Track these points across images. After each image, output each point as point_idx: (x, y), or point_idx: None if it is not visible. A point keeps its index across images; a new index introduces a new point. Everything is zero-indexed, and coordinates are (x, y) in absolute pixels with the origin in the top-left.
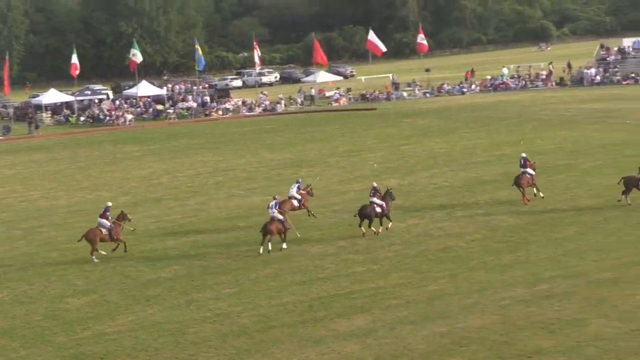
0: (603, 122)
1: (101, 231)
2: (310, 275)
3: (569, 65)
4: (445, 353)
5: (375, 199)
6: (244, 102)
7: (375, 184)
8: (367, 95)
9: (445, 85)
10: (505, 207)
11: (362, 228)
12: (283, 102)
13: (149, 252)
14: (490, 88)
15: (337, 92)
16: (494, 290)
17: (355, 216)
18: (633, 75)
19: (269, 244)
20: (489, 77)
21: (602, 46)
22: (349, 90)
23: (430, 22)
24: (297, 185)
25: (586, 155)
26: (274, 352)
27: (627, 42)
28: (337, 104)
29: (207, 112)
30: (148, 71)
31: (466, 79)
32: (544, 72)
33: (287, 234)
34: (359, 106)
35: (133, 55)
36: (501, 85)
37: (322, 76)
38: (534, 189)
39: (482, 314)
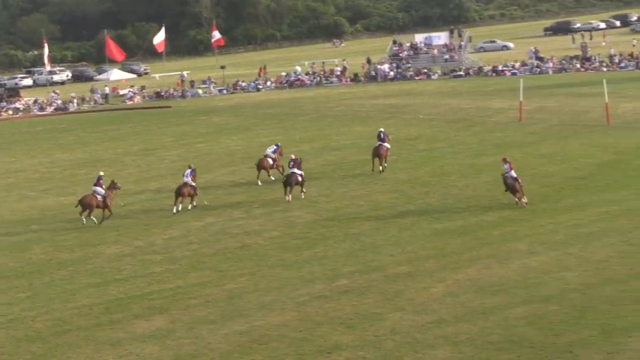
0: (397, 117)
1: (96, 197)
2: (106, 277)
3: (369, 61)
4: (245, 351)
5: (295, 170)
6: (35, 102)
7: (293, 156)
8: (162, 93)
9: (240, 82)
10: (302, 202)
11: (288, 196)
12: (75, 101)
13: None
14: (285, 85)
15: (131, 90)
16: (292, 287)
17: (282, 183)
18: (425, 70)
19: (180, 205)
20: (283, 73)
21: (394, 42)
22: (143, 88)
23: (224, 19)
24: (274, 147)
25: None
26: (70, 356)
27: (419, 37)
28: (131, 102)
29: None
30: None
31: (259, 75)
32: (338, 68)
33: (195, 198)
34: (154, 104)
35: None
36: (296, 82)
37: (116, 74)
38: (383, 163)
39: (281, 311)
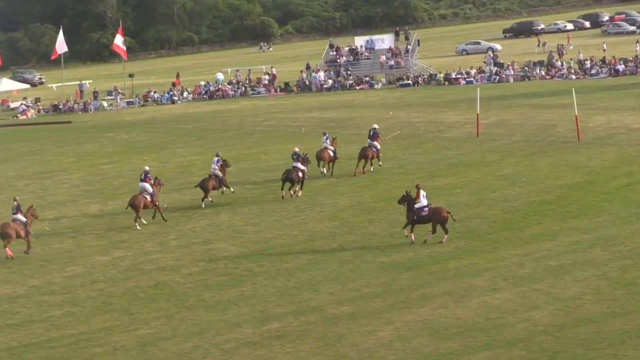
0: (335, 133)
1: (145, 197)
2: None
3: (308, 67)
4: None
5: (298, 164)
6: None
7: (297, 149)
8: (60, 106)
9: (152, 93)
10: (226, 233)
11: (283, 192)
12: None
13: None
14: (205, 96)
15: (24, 102)
16: (216, 331)
17: (281, 179)
18: (367, 78)
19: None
20: (202, 82)
21: (331, 46)
22: (37, 100)
23: (132, 20)
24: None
25: (316, 170)
26: None
27: (359, 40)
28: (24, 116)
29: None
30: None
31: (174, 85)
32: (267, 77)
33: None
34: (51, 119)
35: None
36: (218, 93)
37: (5, 84)
38: (372, 164)
39: None
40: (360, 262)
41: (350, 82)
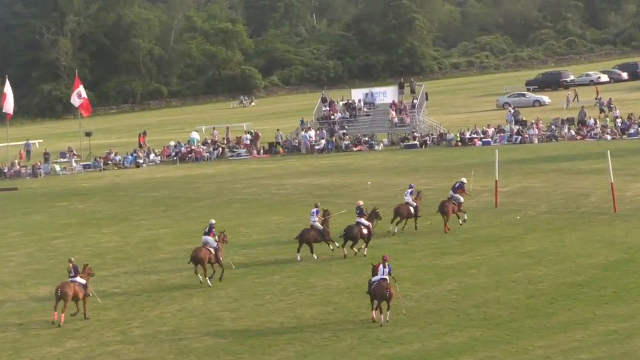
0: (329, 203)
1: (209, 251)
2: None
3: (302, 123)
4: None
5: (362, 220)
6: None
7: (361, 202)
8: (5, 170)
9: (113, 155)
10: (200, 320)
11: (345, 249)
12: None
13: None
14: (175, 158)
15: None
16: None
17: (340, 237)
18: (366, 138)
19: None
20: (172, 142)
21: (324, 100)
22: None
23: (90, 68)
24: (409, 191)
25: (306, 247)
26: None
27: (357, 93)
28: None
29: None
30: None
31: (140, 146)
32: (248, 136)
33: (327, 239)
34: None
35: None
36: (190, 155)
37: None
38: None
39: None
40: (358, 355)
41: (346, 142)
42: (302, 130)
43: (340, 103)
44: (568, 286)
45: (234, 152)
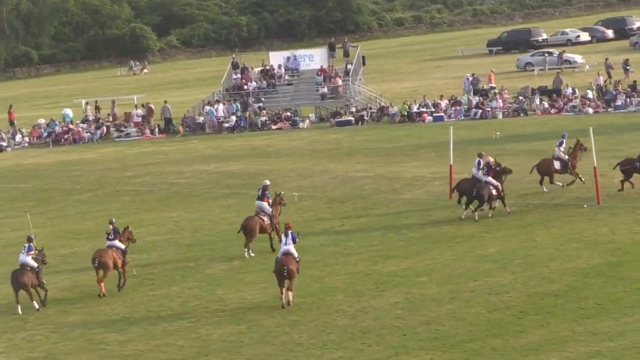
0: (239, 196)
1: (262, 219)
2: None
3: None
4: None
5: (490, 179)
6: None
7: (491, 158)
8: None
9: None
10: (77, 343)
11: (465, 211)
12: None
13: None
14: (48, 140)
15: None
16: None
17: (458, 202)
18: (288, 114)
19: None
20: (42, 120)
21: (235, 66)
22: None
23: None
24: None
25: (212, 250)
26: None
27: (277, 57)
28: None
29: None
30: None
31: (12, 123)
32: (139, 112)
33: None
34: None
35: None
36: (66, 136)
37: None
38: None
39: None
40: None
41: (263, 119)
42: (207, 104)
43: (256, 70)
44: (540, 297)
45: (122, 131)
